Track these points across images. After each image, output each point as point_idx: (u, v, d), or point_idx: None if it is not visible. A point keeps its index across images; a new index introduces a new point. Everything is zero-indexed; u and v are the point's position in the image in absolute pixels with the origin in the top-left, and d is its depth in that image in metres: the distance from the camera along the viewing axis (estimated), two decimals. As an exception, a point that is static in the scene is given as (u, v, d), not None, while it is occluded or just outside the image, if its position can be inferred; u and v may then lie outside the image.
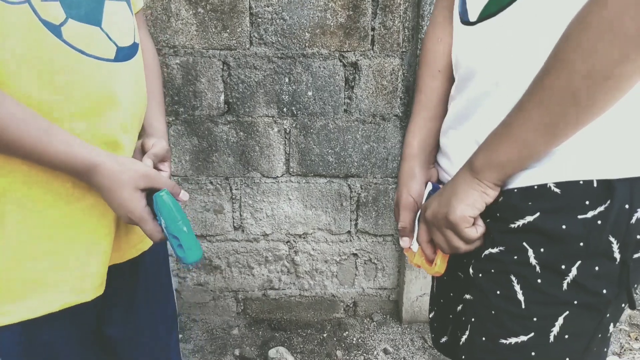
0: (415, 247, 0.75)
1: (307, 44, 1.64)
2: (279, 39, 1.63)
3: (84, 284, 0.72)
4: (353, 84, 1.69)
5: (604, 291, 0.58)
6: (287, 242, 1.88)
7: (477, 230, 0.62)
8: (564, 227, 0.57)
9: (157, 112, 0.88)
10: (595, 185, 0.56)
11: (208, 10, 1.59)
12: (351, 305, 1.99)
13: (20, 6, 0.59)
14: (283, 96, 1.69)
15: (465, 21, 0.67)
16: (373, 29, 1.64)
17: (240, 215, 1.83)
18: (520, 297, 0.61)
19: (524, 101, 0.54)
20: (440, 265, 0.70)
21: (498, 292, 0.63)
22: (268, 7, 1.59)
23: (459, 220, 0.61)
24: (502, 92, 0.61)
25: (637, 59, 0.45)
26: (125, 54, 0.72)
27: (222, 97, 1.69)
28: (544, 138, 0.54)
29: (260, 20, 1.61)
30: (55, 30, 0.62)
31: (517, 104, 0.55)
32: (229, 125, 1.71)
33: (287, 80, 1.67)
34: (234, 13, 1.59)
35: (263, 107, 1.70)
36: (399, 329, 1.94)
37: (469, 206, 0.61)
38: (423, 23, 1.58)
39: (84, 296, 0.72)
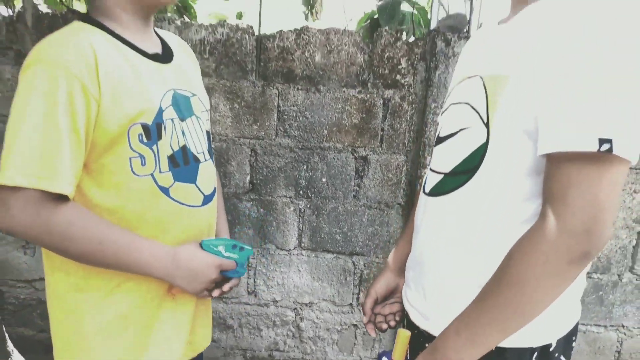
0: None
1: (324, 139, 1.89)
2: (301, 133, 1.89)
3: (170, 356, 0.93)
4: (362, 174, 1.93)
5: None
6: (294, 309, 2.07)
7: None
8: None
9: (221, 214, 1.10)
10: (493, 349, 0.68)
11: (242, 106, 1.87)
12: (349, 372, 2.14)
13: (145, 177, 0.81)
14: (300, 180, 1.93)
15: (424, 191, 0.86)
16: (382, 130, 1.89)
17: (254, 281, 2.04)
18: None
19: (474, 315, 0.67)
20: None
21: None
22: (293, 106, 1.87)
23: None
24: (433, 258, 0.79)
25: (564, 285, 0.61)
26: (208, 199, 0.95)
27: (248, 178, 1.94)
28: (498, 338, 0.66)
29: (286, 116, 1.88)
30: (166, 191, 0.84)
31: (465, 317, 0.68)
32: (251, 202, 1.96)
33: (305, 167, 1.92)
34: (265, 110, 1.87)
35: (282, 189, 1.94)
36: (392, 399, 2.07)
37: None
38: (426, 128, 1.83)
39: None
